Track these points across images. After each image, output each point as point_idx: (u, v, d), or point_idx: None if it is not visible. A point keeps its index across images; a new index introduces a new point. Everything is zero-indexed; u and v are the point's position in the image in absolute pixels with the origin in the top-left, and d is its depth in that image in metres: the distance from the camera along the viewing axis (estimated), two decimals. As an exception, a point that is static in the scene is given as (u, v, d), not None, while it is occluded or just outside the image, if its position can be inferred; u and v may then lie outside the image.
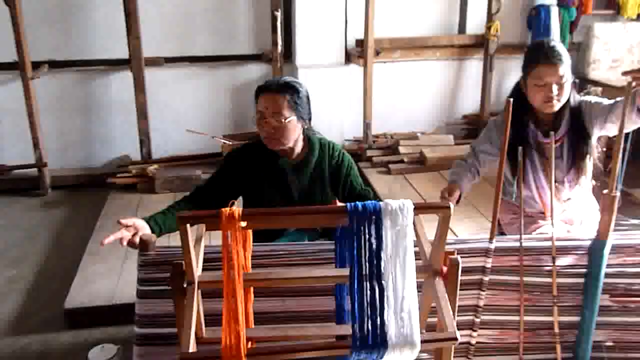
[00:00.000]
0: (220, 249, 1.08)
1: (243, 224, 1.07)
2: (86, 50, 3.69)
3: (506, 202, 1.96)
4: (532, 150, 1.85)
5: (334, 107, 3.89)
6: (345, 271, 1.09)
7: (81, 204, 3.44)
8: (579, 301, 1.62)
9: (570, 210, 1.94)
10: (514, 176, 1.86)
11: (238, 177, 1.76)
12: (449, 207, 1.10)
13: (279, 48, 3.62)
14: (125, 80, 3.61)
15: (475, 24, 4.18)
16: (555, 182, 1.81)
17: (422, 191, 3.40)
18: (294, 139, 1.72)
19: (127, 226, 1.47)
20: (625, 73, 1.58)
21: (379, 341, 1.03)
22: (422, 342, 1.04)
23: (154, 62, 3.71)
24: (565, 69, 1.74)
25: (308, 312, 1.54)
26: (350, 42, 4.00)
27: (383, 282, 1.05)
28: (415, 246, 1.11)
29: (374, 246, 1.06)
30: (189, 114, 3.92)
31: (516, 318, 1.61)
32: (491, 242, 1.55)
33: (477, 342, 1.62)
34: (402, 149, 3.88)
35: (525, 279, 1.58)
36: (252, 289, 1.23)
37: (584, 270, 1.60)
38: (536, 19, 4.08)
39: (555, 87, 1.73)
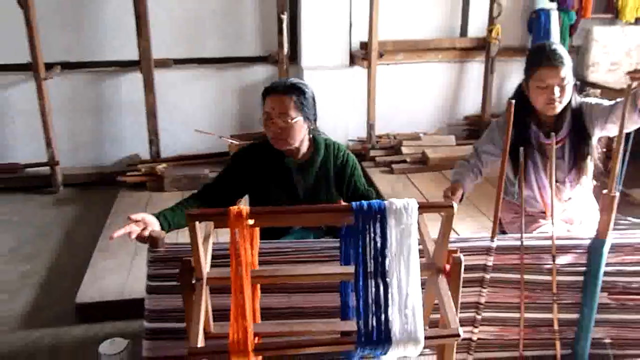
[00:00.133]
0: (227, 246, 1.09)
1: (250, 222, 1.08)
2: (97, 51, 3.75)
3: (507, 202, 1.97)
4: (534, 150, 1.87)
5: (338, 108, 3.92)
6: (350, 268, 1.10)
7: (92, 201, 3.50)
8: (578, 299, 1.64)
9: (571, 210, 1.95)
10: (516, 176, 1.87)
11: (244, 176, 1.77)
12: (452, 207, 1.11)
13: (285, 50, 3.66)
14: (135, 81, 3.66)
15: (477, 27, 4.22)
16: (557, 182, 1.83)
17: (424, 190, 3.43)
18: (300, 139, 1.73)
19: (136, 221, 1.48)
20: (629, 73, 1.60)
21: (384, 337, 1.04)
22: (426, 338, 1.05)
23: (163, 63, 3.76)
24: (566, 71, 1.75)
25: (313, 308, 1.56)
26: (355, 44, 4.04)
27: (387, 279, 1.06)
28: (418, 244, 1.11)
29: (379, 244, 1.07)
30: (197, 115, 3.97)
31: (517, 315, 1.63)
32: (492, 241, 1.57)
33: (478, 339, 1.64)
34: (404, 149, 3.91)
35: (525, 276, 1.60)
36: (258, 285, 1.24)
37: (584, 268, 1.62)
38: (536, 23, 4.11)
39: (557, 89, 1.75)
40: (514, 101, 1.50)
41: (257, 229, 1.20)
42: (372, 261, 1.07)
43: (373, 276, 1.07)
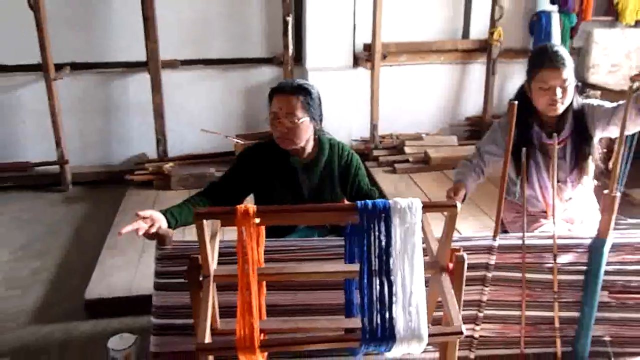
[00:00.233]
0: (233, 244, 1.11)
1: (257, 220, 1.10)
2: (106, 53, 3.79)
3: (509, 202, 1.99)
4: (536, 151, 1.88)
5: (342, 109, 3.94)
6: (355, 266, 1.12)
7: (101, 199, 3.54)
8: (578, 297, 1.65)
9: (572, 210, 1.97)
10: (518, 176, 1.88)
11: (250, 175, 1.79)
12: (455, 206, 1.13)
13: (290, 51, 3.69)
14: (143, 82, 3.70)
15: (479, 29, 4.24)
16: (559, 182, 1.84)
17: (427, 190, 3.45)
18: (306, 139, 1.75)
19: (144, 218, 1.48)
20: (632, 78, 1.62)
21: (388, 334, 1.05)
22: (429, 335, 1.06)
23: (171, 64, 3.80)
24: (568, 72, 1.76)
25: (318, 305, 1.57)
26: (358, 46, 4.07)
27: (392, 277, 1.08)
28: (422, 243, 1.13)
29: (383, 243, 1.09)
30: (203, 115, 4.00)
31: (518, 313, 1.65)
32: (495, 240, 1.59)
33: (480, 336, 1.66)
34: (407, 149, 3.94)
35: (527, 275, 1.61)
36: (264, 282, 1.26)
37: (584, 267, 1.63)
38: (538, 25, 4.13)
39: (559, 90, 1.76)
40: (516, 102, 1.51)
41: (263, 227, 1.21)
42: (376, 259, 1.09)
43: (377, 274, 1.08)
